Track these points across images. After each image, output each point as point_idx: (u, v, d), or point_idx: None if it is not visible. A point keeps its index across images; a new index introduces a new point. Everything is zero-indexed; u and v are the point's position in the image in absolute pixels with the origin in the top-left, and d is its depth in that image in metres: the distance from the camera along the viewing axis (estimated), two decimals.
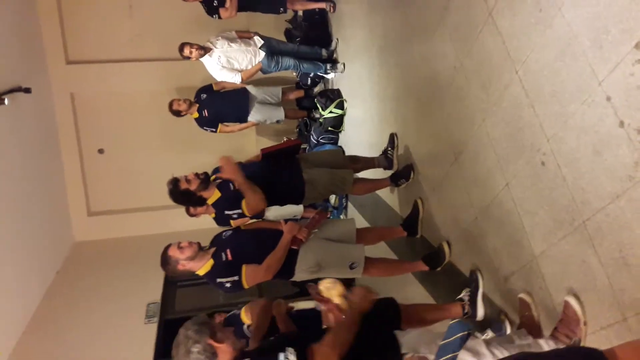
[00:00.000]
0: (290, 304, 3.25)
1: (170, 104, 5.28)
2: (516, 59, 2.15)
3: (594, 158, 1.77)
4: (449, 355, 1.39)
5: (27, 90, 4.91)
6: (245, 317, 3.24)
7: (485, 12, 2.34)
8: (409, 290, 3.72)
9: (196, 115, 5.39)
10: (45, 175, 5.62)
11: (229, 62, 5.18)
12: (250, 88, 5.51)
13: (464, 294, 2.73)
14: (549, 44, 1.94)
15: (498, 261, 2.49)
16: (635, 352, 1.35)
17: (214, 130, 5.49)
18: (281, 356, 1.84)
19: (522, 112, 2.14)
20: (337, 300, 2.13)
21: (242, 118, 5.52)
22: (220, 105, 5.39)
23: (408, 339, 2.03)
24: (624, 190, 1.66)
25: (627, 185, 1.64)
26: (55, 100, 5.94)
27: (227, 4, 5.07)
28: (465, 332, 1.37)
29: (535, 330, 2.14)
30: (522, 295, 2.25)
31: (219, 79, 5.32)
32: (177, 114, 5.32)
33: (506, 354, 1.82)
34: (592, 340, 1.87)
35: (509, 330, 2.41)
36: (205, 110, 5.34)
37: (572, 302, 1.91)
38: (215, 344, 1.88)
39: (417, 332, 2.09)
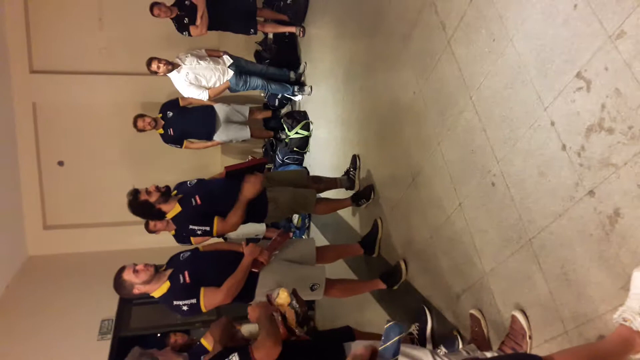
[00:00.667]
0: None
1: (135, 121, 5.23)
2: (470, 85, 2.27)
3: (539, 179, 1.89)
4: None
5: None
6: (208, 344, 3.20)
7: (444, 41, 2.48)
8: (367, 309, 3.76)
9: (161, 131, 5.37)
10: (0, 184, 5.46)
11: (196, 79, 5.21)
12: (217, 107, 5.54)
13: (413, 329, 2.79)
14: (500, 72, 2.07)
15: (451, 279, 2.57)
16: (572, 357, 1.43)
17: (179, 146, 5.49)
18: None
19: (475, 136, 2.26)
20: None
21: (208, 137, 5.54)
22: (186, 124, 5.40)
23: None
24: (566, 209, 1.77)
25: (568, 204, 1.76)
26: (16, 109, 5.83)
27: (198, 22, 5.13)
28: (401, 335, 1.42)
29: (484, 345, 2.22)
30: (472, 311, 2.33)
31: (185, 95, 5.34)
32: (142, 130, 5.29)
33: None
34: (537, 352, 1.95)
35: (461, 347, 2.48)
36: (171, 129, 5.33)
37: (519, 316, 2.00)
38: None
39: (367, 343, 2.12)
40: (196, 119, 5.43)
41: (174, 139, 5.41)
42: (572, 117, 1.71)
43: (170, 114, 5.33)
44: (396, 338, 1.39)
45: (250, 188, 3.24)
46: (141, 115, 5.24)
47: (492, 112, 2.13)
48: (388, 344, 1.40)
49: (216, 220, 3.20)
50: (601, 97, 1.60)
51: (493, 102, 2.12)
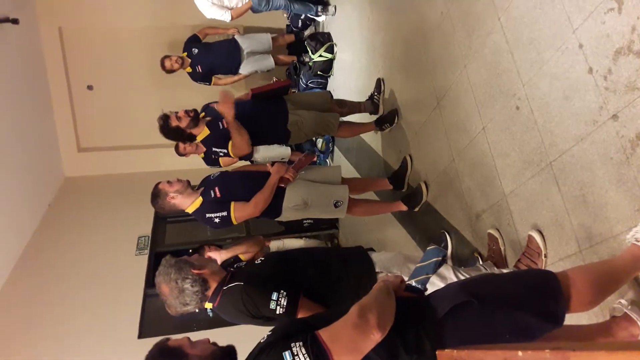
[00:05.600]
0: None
1: (163, 63, 5.24)
2: (499, 5, 2.22)
3: (563, 103, 1.89)
4: (423, 277, 1.51)
5: (15, 21, 4.84)
6: (242, 256, 3.45)
7: None
8: (388, 229, 3.90)
9: (189, 70, 5.38)
10: (33, 109, 5.60)
11: None
12: (240, 40, 5.47)
13: None
14: None
15: (471, 200, 2.65)
16: (584, 274, 1.52)
17: (207, 84, 5.51)
18: (274, 295, 1.85)
19: (502, 59, 2.23)
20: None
21: (234, 70, 5.52)
22: (212, 59, 5.37)
23: (380, 259, 2.18)
24: (588, 133, 1.79)
25: (591, 128, 1.77)
26: (43, 34, 5.85)
27: None
28: (440, 258, 1.49)
29: (500, 263, 2.32)
30: (490, 230, 2.42)
31: (208, 17, 5.27)
32: (170, 71, 5.30)
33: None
34: (551, 270, 2.05)
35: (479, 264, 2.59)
36: (199, 66, 5.32)
37: (535, 236, 2.08)
38: (201, 272, 1.93)
39: (390, 255, 2.24)
40: (221, 53, 5.40)
41: (203, 76, 5.41)
42: (601, 39, 1.69)
43: (195, 50, 5.31)
44: (433, 260, 1.47)
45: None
46: (167, 56, 5.24)
47: (520, 34, 2.10)
48: (425, 263, 1.48)
49: (229, 144, 3.33)
50: (632, 19, 1.57)
51: (521, 23, 2.08)
